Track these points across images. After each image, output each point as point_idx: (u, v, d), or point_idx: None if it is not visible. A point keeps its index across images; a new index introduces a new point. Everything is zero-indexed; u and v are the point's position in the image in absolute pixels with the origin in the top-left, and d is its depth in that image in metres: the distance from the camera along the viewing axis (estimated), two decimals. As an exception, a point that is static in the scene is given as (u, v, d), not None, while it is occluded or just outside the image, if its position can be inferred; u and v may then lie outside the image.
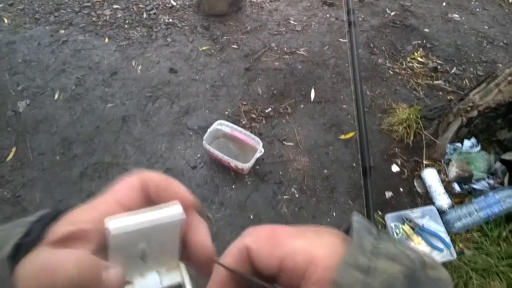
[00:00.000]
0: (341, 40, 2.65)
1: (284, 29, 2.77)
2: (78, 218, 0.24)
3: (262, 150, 1.83)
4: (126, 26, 2.68)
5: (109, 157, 1.90)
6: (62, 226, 0.23)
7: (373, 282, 0.21)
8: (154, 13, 2.82)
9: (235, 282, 0.25)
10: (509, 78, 1.83)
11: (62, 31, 2.60)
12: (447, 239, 1.69)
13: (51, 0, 2.87)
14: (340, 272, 0.21)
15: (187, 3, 2.95)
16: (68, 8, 2.81)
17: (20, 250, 0.22)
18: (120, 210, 0.25)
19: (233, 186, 1.81)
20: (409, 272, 0.22)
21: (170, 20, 2.77)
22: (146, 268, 0.28)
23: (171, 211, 0.25)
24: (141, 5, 2.88)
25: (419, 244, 1.69)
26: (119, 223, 0.24)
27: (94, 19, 2.72)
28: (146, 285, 0.27)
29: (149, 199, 0.27)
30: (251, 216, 1.74)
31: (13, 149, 1.93)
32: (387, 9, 3.02)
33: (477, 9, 3.17)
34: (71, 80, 2.25)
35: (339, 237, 0.25)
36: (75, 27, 2.64)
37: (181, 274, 0.27)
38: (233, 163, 1.77)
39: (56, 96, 2.17)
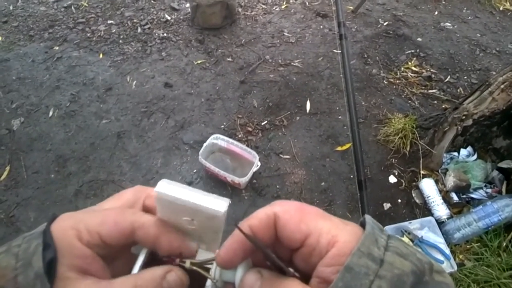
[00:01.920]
0: (335, 51, 2.66)
1: (278, 41, 2.79)
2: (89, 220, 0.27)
3: (259, 164, 1.82)
4: (120, 41, 2.68)
5: (104, 174, 1.88)
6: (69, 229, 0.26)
7: (386, 274, 0.22)
8: (149, 28, 2.83)
9: (250, 247, 0.26)
10: (502, 86, 1.84)
11: (57, 48, 2.60)
12: (447, 250, 1.67)
13: (45, 16, 2.88)
14: (354, 258, 0.22)
15: (181, 17, 2.96)
16: (63, 25, 2.82)
17: (51, 265, 0.24)
18: (98, 242, 0.27)
19: (230, 202, 1.79)
20: (418, 272, 0.23)
21: (165, 34, 2.78)
22: (189, 236, 0.30)
23: (216, 204, 0.27)
24: (135, 20, 2.89)
25: (419, 256, 1.67)
26: (166, 189, 0.26)
27: (88, 35, 2.73)
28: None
29: (135, 242, 0.29)
30: (249, 232, 1.71)
31: (7, 168, 1.91)
32: (379, 19, 3.05)
33: (469, 17, 3.21)
34: (65, 97, 2.25)
35: (360, 229, 0.26)
36: (69, 43, 2.64)
37: (204, 260, 0.30)
38: (230, 178, 1.76)
39: (51, 113, 2.16)
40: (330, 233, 0.25)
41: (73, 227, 0.27)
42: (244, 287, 0.27)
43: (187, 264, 0.29)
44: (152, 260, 0.30)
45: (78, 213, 0.28)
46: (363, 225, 0.26)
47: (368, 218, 0.26)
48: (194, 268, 0.29)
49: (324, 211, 0.27)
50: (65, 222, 0.27)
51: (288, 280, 0.25)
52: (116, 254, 0.30)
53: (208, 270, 0.29)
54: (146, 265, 0.30)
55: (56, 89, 2.30)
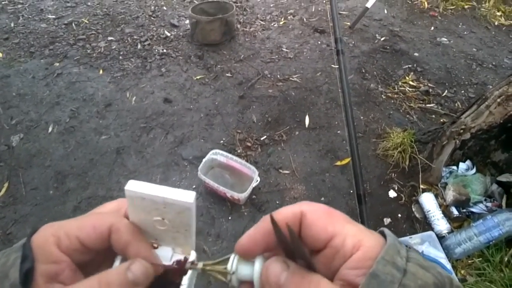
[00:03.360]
0: (333, 66, 2.70)
1: (276, 56, 2.82)
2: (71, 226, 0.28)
3: (258, 179, 1.82)
4: (120, 57, 2.71)
5: (103, 190, 1.87)
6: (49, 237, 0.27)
7: (410, 284, 0.22)
8: (149, 44, 2.87)
9: (272, 238, 0.26)
10: (498, 100, 1.86)
11: (57, 64, 2.62)
12: (448, 265, 1.66)
13: (46, 33, 2.92)
14: (379, 265, 0.22)
15: (181, 34, 3.01)
16: (63, 41, 2.85)
17: (28, 275, 0.25)
18: (77, 246, 0.28)
19: (230, 218, 1.78)
20: (439, 284, 0.23)
21: (164, 50, 2.81)
22: (163, 241, 0.31)
23: (184, 196, 0.27)
24: (135, 37, 2.93)
25: (420, 272, 1.66)
26: (135, 187, 0.27)
27: (89, 51, 2.76)
28: (159, 254, 0.31)
29: (110, 244, 0.29)
30: (249, 248, 1.70)
31: (5, 185, 1.90)
32: (376, 35, 3.10)
33: (465, 32, 3.26)
34: (65, 113, 2.26)
35: (382, 238, 0.26)
36: (69, 60, 2.67)
37: (217, 261, 0.30)
38: (229, 193, 1.75)
39: (50, 129, 2.16)
40: (356, 236, 0.25)
41: (53, 234, 0.27)
42: (268, 277, 0.25)
43: (199, 265, 0.30)
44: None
45: (61, 222, 0.29)
46: (383, 235, 0.26)
47: (387, 230, 0.26)
48: (208, 270, 0.30)
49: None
50: (46, 231, 0.28)
51: (316, 276, 0.24)
52: (100, 261, 0.30)
53: (223, 274, 0.29)
54: None
55: (56, 105, 2.31)
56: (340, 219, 0.26)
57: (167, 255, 0.32)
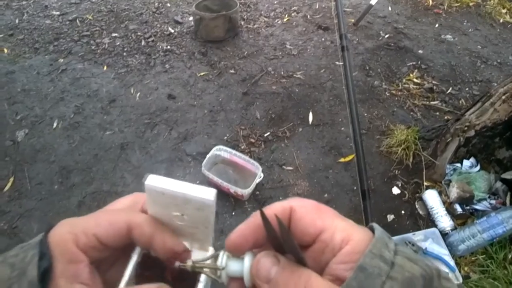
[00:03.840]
0: (337, 63, 2.69)
1: (280, 53, 2.82)
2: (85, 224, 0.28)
3: (262, 175, 1.82)
4: (124, 53, 2.72)
5: (107, 185, 1.88)
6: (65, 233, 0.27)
7: (397, 276, 0.22)
8: (153, 41, 2.87)
9: (261, 234, 0.26)
10: (503, 97, 1.85)
11: (61, 60, 2.63)
12: (452, 262, 1.66)
13: (50, 29, 2.93)
14: (367, 259, 0.23)
15: (184, 30, 3.01)
16: (68, 37, 2.86)
17: (45, 274, 0.25)
18: (94, 244, 0.28)
19: (233, 213, 1.79)
20: (427, 276, 0.23)
21: (168, 47, 2.82)
22: (181, 236, 0.31)
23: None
24: (139, 33, 2.94)
25: (423, 268, 1.66)
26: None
27: (93, 47, 2.77)
28: None
29: (130, 240, 0.29)
30: (252, 244, 1.71)
31: (11, 179, 1.91)
32: (381, 32, 3.09)
33: (469, 30, 3.24)
34: (69, 109, 2.27)
35: (370, 233, 0.26)
36: (74, 56, 2.68)
37: (206, 257, 0.30)
38: (233, 189, 1.76)
39: (55, 124, 2.18)
40: (345, 231, 0.25)
41: (70, 231, 0.27)
42: (259, 271, 0.26)
43: (189, 263, 0.29)
44: (149, 262, 0.31)
45: (76, 218, 0.29)
46: (372, 230, 0.27)
47: (376, 224, 0.27)
48: (196, 267, 0.29)
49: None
50: (63, 228, 0.28)
51: (307, 271, 0.24)
52: (114, 259, 0.30)
53: (213, 270, 0.29)
54: (141, 266, 0.30)
55: (61, 100, 2.32)
56: (330, 214, 0.26)
57: None
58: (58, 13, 3.15)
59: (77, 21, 3.06)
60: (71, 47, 2.77)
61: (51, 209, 1.79)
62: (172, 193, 0.27)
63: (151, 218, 0.29)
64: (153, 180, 0.27)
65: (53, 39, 2.84)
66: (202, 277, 0.30)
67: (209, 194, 0.27)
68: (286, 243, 0.25)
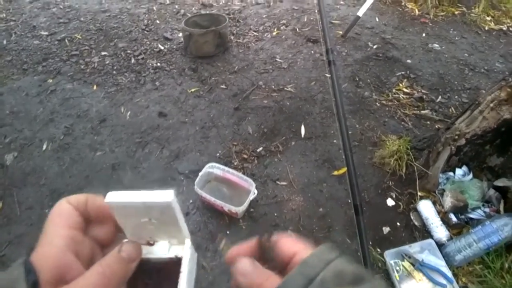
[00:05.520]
0: (327, 75, 2.71)
1: (270, 67, 2.83)
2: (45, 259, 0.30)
3: (256, 192, 1.80)
4: (114, 72, 2.71)
5: (99, 208, 1.85)
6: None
7: (330, 268, 0.30)
8: (142, 58, 2.87)
9: (253, 251, 0.35)
10: (491, 105, 1.87)
11: (50, 81, 2.61)
12: (449, 273, 1.64)
13: (39, 50, 2.92)
14: (309, 257, 0.31)
15: (174, 47, 3.02)
16: (56, 57, 2.85)
17: (34, 286, 0.28)
18: (74, 232, 0.32)
19: (228, 232, 1.77)
20: (358, 273, 0.30)
21: (158, 64, 2.82)
22: (158, 237, 0.34)
23: (162, 196, 0.30)
24: (129, 51, 2.94)
25: (420, 280, 1.64)
26: (115, 198, 0.30)
27: (82, 67, 2.76)
28: (157, 249, 0.34)
29: (86, 216, 0.34)
30: (248, 262, 1.68)
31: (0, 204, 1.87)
32: (369, 43, 3.12)
33: (456, 38, 3.30)
34: (59, 130, 2.24)
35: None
36: (63, 76, 2.66)
37: (183, 248, 0.34)
38: (227, 207, 1.74)
39: (44, 146, 2.15)
40: (309, 252, 0.33)
41: (51, 246, 0.31)
42: (238, 266, 0.32)
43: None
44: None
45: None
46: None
47: (329, 244, 0.34)
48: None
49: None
50: (40, 250, 0.31)
51: (272, 273, 0.32)
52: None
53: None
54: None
55: (50, 122, 2.30)
56: (303, 245, 0.34)
57: (165, 249, 0.34)
58: (46, 33, 3.15)
59: (66, 40, 3.05)
60: (60, 67, 2.75)
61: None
62: (132, 205, 0.30)
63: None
64: (113, 197, 0.30)
65: (42, 60, 2.82)
66: (184, 267, 0.33)
67: (167, 197, 0.30)
68: (267, 250, 0.33)
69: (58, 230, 0.33)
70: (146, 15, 3.49)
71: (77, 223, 0.34)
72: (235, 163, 2.07)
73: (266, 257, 0.33)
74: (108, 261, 0.31)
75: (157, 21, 3.40)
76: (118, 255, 0.32)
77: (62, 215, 0.34)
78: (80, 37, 3.09)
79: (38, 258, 0.30)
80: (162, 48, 3.00)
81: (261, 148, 2.17)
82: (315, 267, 0.29)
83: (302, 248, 0.33)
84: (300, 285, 0.29)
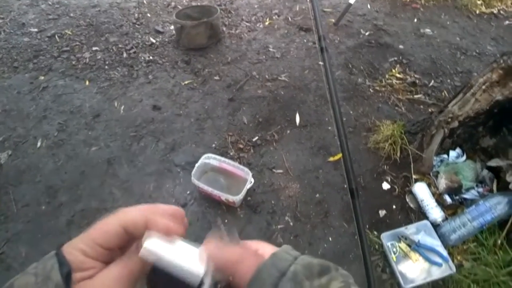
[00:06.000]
0: (320, 63, 2.70)
1: (264, 57, 2.83)
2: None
3: (252, 181, 1.81)
4: (106, 67, 2.69)
5: (96, 202, 1.85)
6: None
7: (299, 261, 0.33)
8: (134, 52, 2.85)
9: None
10: (483, 87, 1.89)
11: (42, 78, 2.59)
12: (445, 252, 1.67)
13: (29, 47, 2.88)
14: (278, 251, 0.35)
15: (166, 40, 2.99)
16: (47, 54, 2.82)
17: (68, 277, 0.30)
18: (101, 251, 0.33)
19: (226, 221, 1.78)
20: (324, 266, 0.33)
21: (151, 57, 2.80)
22: None
23: (193, 270, 0.33)
24: (120, 45, 2.91)
25: (417, 261, 1.67)
26: (151, 249, 0.33)
27: (73, 62, 2.73)
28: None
29: (132, 236, 0.34)
30: (247, 250, 1.70)
31: (-4, 203, 1.87)
32: (361, 30, 3.12)
33: (447, 23, 3.30)
34: (53, 127, 2.23)
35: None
36: (54, 73, 2.64)
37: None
38: (224, 197, 1.75)
39: (39, 144, 2.14)
40: (272, 249, 0.37)
41: (76, 247, 0.32)
42: (207, 251, 0.35)
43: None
44: None
45: (74, 240, 0.34)
46: None
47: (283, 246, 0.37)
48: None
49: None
50: (70, 245, 0.33)
51: (247, 253, 0.36)
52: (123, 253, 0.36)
53: None
54: None
55: (43, 119, 2.28)
56: (264, 243, 0.39)
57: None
58: (36, 30, 3.11)
59: (56, 37, 3.02)
60: (51, 63, 2.73)
61: (39, 230, 1.75)
62: (163, 261, 0.33)
63: (139, 211, 0.35)
64: (149, 248, 0.33)
65: (33, 57, 2.79)
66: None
67: (195, 271, 0.33)
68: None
69: (96, 232, 0.34)
70: (137, 9, 3.46)
71: (119, 238, 0.34)
72: (231, 153, 2.08)
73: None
74: (129, 254, 0.34)
75: (148, 15, 3.37)
76: (137, 249, 0.34)
77: (107, 225, 0.35)
78: (70, 33, 3.05)
79: (70, 252, 0.32)
80: (154, 41, 2.98)
81: (256, 138, 2.17)
82: (286, 260, 0.32)
83: (264, 244, 0.38)
84: (274, 277, 0.30)
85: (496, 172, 1.90)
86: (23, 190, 1.92)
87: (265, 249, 0.36)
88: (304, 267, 0.31)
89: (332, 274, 0.32)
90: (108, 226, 0.34)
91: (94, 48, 2.89)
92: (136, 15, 3.35)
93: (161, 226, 0.34)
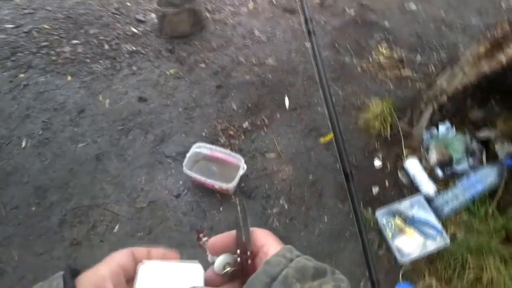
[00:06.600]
0: (306, 45, 2.67)
1: (250, 41, 2.78)
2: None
3: (245, 167, 1.80)
4: (88, 60, 2.61)
5: (87, 199, 1.82)
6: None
7: (293, 265, 0.32)
8: (116, 43, 2.77)
9: (235, 241, 0.38)
10: (471, 60, 1.89)
11: (22, 75, 2.50)
12: (438, 225, 1.70)
13: (6, 44, 2.77)
14: (271, 257, 0.34)
15: (148, 29, 2.91)
16: (26, 50, 2.72)
17: None
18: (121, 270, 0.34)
19: (221, 209, 1.77)
20: (319, 269, 0.33)
21: (133, 48, 2.73)
22: None
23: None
24: (101, 37, 2.83)
25: (412, 235, 1.70)
26: (149, 270, 0.34)
27: (53, 58, 2.64)
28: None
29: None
30: (243, 236, 1.70)
31: (-16, 207, 1.82)
32: (346, 9, 3.08)
33: (431, -4, 3.28)
34: (37, 125, 2.17)
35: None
36: (35, 69, 2.55)
37: None
38: (217, 185, 1.74)
39: (24, 144, 2.08)
40: (274, 247, 0.36)
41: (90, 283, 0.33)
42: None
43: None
44: None
45: (86, 274, 0.34)
46: None
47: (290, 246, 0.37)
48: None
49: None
50: (87, 273, 0.33)
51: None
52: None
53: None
54: None
55: (26, 118, 2.22)
56: (272, 238, 0.37)
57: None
58: (12, 26, 2.98)
59: (34, 32, 2.91)
60: (30, 60, 2.63)
61: (31, 232, 1.72)
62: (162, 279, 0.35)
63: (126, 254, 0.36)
64: (146, 269, 0.34)
65: (10, 54, 2.69)
66: None
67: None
68: (243, 247, 0.36)
69: (109, 263, 0.35)
70: (115, -1, 3.34)
71: (129, 265, 0.35)
72: (222, 141, 2.06)
73: (242, 246, 0.36)
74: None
75: (128, 3, 3.26)
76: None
77: (119, 255, 0.36)
78: (48, 27, 2.94)
79: (81, 280, 0.32)
80: (135, 31, 2.90)
81: (246, 123, 2.15)
82: (279, 265, 0.32)
83: (271, 241, 0.37)
84: (264, 283, 0.31)
85: (485, 144, 1.92)
86: (11, 192, 1.87)
87: (271, 247, 0.36)
88: (297, 270, 0.32)
89: (325, 278, 0.32)
90: (121, 253, 0.36)
91: (74, 42, 2.79)
92: (115, 4, 3.24)
93: (160, 255, 0.37)
